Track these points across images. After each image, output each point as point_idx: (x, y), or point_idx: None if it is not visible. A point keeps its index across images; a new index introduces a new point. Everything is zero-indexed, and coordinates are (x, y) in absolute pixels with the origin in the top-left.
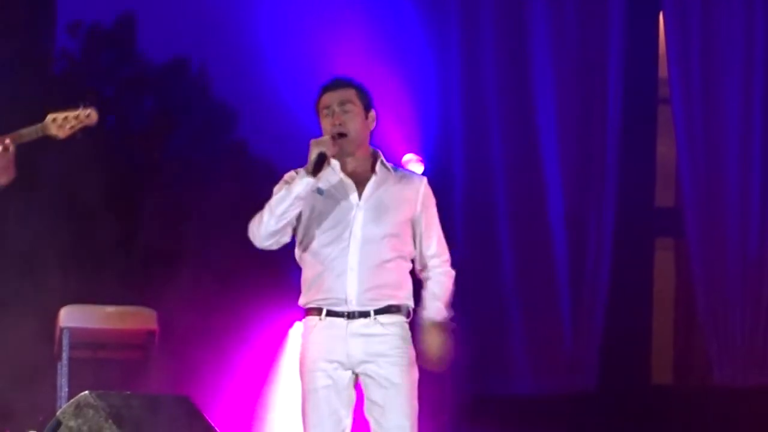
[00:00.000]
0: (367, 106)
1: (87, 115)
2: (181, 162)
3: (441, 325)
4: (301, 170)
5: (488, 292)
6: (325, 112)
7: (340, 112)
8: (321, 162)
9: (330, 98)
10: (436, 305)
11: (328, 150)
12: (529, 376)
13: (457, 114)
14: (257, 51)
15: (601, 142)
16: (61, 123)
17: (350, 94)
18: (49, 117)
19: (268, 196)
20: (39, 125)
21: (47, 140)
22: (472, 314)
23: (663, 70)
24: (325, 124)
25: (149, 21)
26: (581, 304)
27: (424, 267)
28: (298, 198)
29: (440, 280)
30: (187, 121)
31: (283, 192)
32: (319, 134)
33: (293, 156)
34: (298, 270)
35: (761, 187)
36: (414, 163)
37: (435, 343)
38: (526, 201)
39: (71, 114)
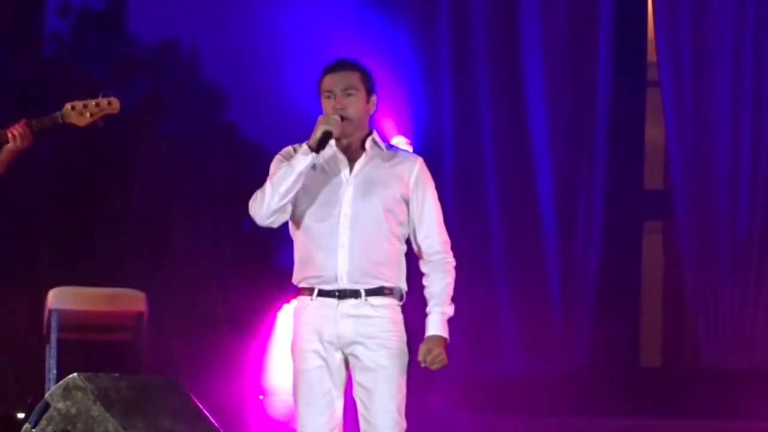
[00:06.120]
0: (370, 91)
1: (108, 103)
2: (171, 143)
3: (439, 339)
4: (303, 146)
5: (478, 274)
6: (326, 94)
7: (343, 96)
8: (326, 140)
9: (332, 82)
10: (437, 316)
11: (335, 129)
12: (518, 359)
13: (447, 96)
14: (248, 32)
15: (590, 124)
16: (81, 110)
17: (354, 78)
18: (67, 105)
19: (257, 177)
20: (58, 113)
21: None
22: (461, 296)
23: (651, 54)
24: (326, 105)
25: (139, 1)
26: (570, 286)
27: (420, 254)
28: (301, 174)
29: (438, 276)
30: (178, 102)
31: (285, 169)
32: (314, 114)
33: (283, 138)
34: (287, 252)
35: (750, 170)
36: (403, 146)
37: (430, 355)
38: (516, 183)
39: (91, 102)
